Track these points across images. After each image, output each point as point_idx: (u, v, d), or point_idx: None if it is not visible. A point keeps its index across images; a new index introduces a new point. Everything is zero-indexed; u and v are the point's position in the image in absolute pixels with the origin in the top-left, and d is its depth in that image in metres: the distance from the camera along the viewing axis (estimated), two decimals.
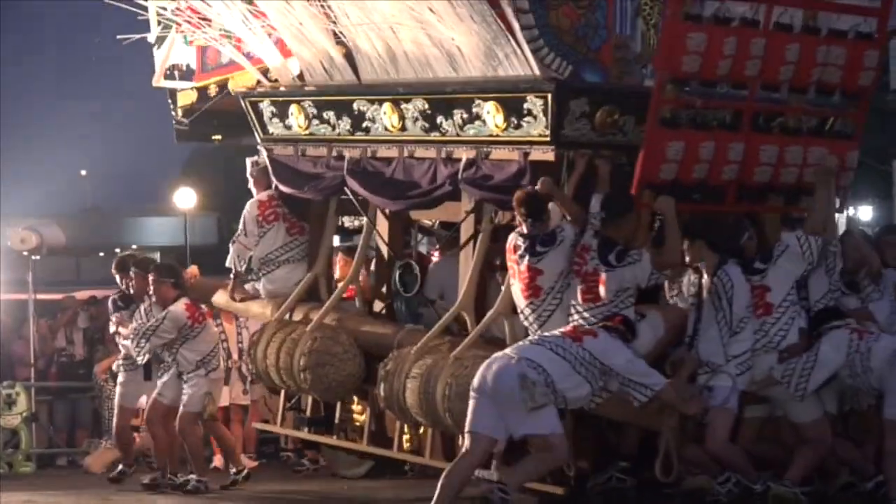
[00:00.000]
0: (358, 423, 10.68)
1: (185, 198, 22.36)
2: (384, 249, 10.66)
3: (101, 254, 14.93)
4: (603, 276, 8.87)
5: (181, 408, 11.75)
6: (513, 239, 9.18)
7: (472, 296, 9.84)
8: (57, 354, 14.85)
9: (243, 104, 11.12)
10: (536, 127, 9.21)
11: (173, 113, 12.30)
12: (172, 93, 12.24)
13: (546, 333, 8.75)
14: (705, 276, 8.82)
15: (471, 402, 8.63)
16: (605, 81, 9.54)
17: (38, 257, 14.71)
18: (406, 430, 10.20)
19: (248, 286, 11.46)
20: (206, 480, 11.66)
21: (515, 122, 9.33)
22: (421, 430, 10.13)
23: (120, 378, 12.24)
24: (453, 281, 10.49)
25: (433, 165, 9.88)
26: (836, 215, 9.50)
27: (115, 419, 12.48)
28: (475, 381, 8.63)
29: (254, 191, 11.65)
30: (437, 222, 11.02)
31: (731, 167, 9.18)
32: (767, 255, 8.98)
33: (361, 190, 10.37)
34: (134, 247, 24.18)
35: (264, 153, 11.14)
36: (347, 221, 11.51)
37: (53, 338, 15.21)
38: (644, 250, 8.85)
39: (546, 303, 9.03)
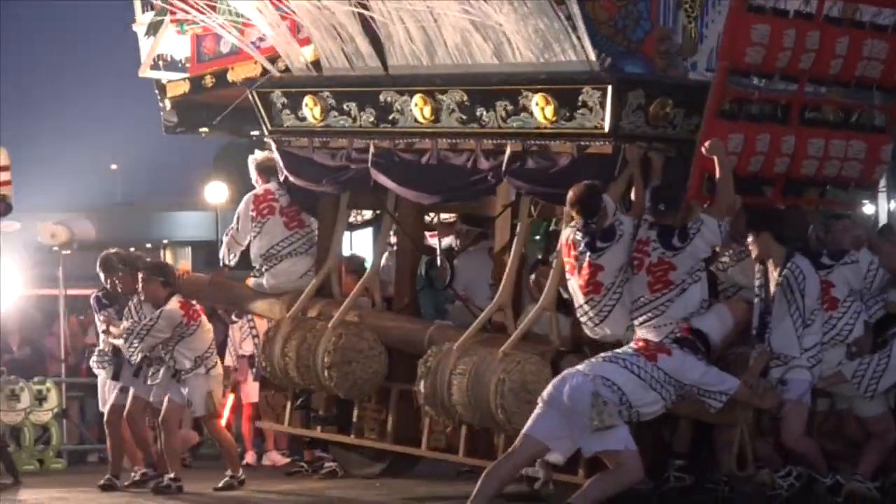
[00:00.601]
0: (375, 421, 10.48)
1: (217, 192, 22.00)
2: (402, 243, 10.47)
3: (132, 248, 14.73)
4: (673, 260, 8.84)
5: (192, 413, 11.47)
6: (568, 235, 9.06)
7: (510, 292, 9.71)
8: (87, 350, 14.26)
9: (251, 95, 10.80)
10: (592, 119, 9.09)
11: (161, 105, 11.93)
12: (160, 84, 11.86)
13: (618, 350, 8.68)
14: (772, 268, 8.81)
15: (537, 410, 8.54)
16: (650, 73, 9.47)
17: (68, 252, 14.44)
18: (435, 427, 10.05)
19: (251, 282, 11.16)
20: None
21: (567, 113, 9.19)
22: (449, 428, 10.01)
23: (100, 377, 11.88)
24: (478, 275, 10.39)
25: (472, 158, 9.69)
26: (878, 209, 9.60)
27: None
28: (545, 393, 8.54)
29: (257, 186, 11.39)
30: (457, 217, 10.84)
31: (783, 160, 9.18)
32: (837, 254, 9.02)
33: (390, 183, 10.15)
34: (165, 241, 23.53)
35: (273, 145, 10.85)
36: (350, 216, 11.27)
37: (84, 333, 14.94)
38: (699, 214, 8.83)
39: (606, 298, 8.93)
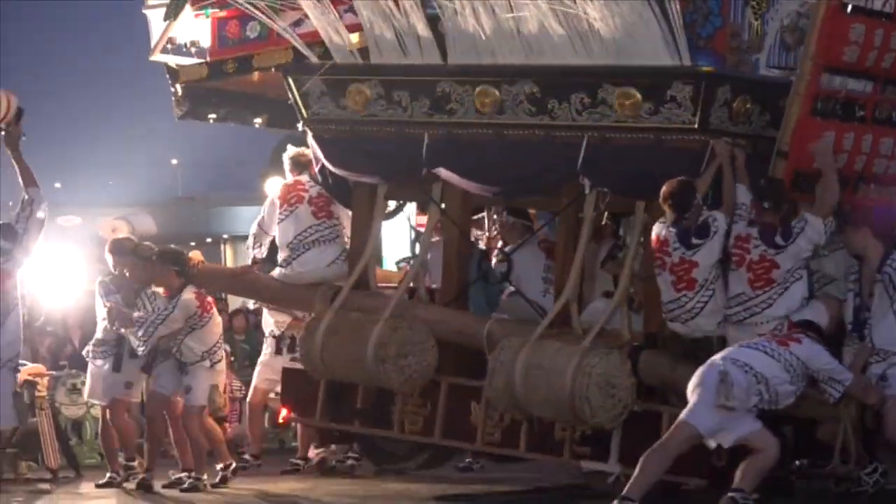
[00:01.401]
0: (417, 416, 10.28)
1: (276, 186, 21.34)
2: (449, 236, 10.30)
3: (192, 243, 14.23)
4: (776, 259, 8.87)
5: (184, 401, 11.10)
6: (659, 231, 9.02)
7: (577, 286, 9.64)
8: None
9: (287, 82, 10.50)
10: (680, 114, 9.06)
11: (172, 90, 11.52)
12: (171, 68, 11.46)
13: (750, 341, 8.63)
14: (868, 264, 8.90)
15: (692, 398, 8.47)
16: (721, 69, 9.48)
17: None
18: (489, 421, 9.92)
19: (277, 273, 10.86)
20: (204, 478, 11.07)
21: (652, 108, 9.15)
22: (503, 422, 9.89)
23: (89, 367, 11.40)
24: (528, 269, 10.26)
25: (542, 151, 9.60)
26: None
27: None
28: (694, 380, 8.49)
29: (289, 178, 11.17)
30: (504, 209, 10.70)
31: (861, 158, 9.30)
32: None
33: (450, 175, 9.98)
34: (225, 236, 22.58)
35: (309, 134, 10.57)
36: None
37: None
38: (804, 213, 8.89)
39: (700, 294, 8.92)
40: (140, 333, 10.93)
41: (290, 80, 10.48)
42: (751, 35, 9.69)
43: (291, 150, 11.20)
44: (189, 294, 11.00)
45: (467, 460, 11.66)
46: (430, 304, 10.25)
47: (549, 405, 9.28)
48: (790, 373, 8.43)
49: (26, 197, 8.54)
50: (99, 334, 11.36)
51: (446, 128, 9.94)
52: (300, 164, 11.06)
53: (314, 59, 10.44)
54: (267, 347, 12.21)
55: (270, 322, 12.12)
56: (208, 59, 11.18)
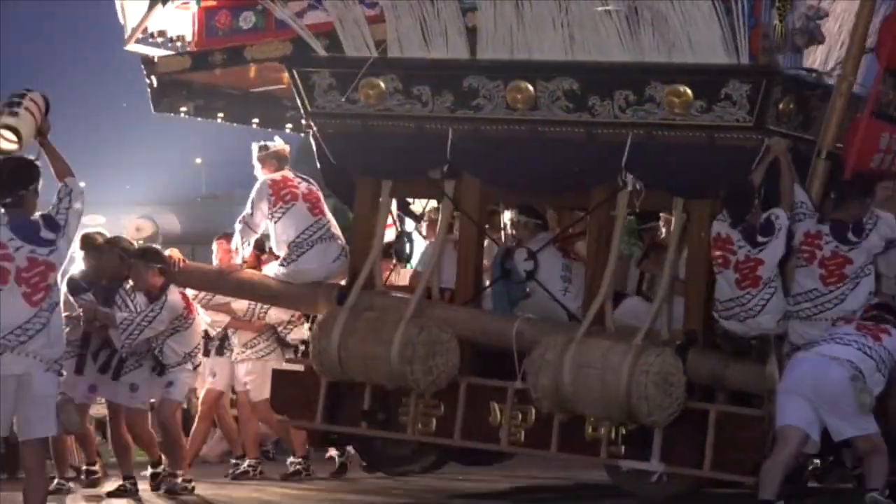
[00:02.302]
0: (429, 417, 10.03)
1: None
2: (466, 235, 10.09)
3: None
4: (849, 255, 8.95)
5: (163, 396, 10.64)
6: (720, 229, 9.03)
7: (613, 285, 9.58)
8: None
9: (290, 74, 10.13)
10: (734, 112, 9.09)
11: (147, 81, 10.96)
12: (147, 58, 10.91)
13: (838, 331, 8.68)
14: None
15: (781, 399, 8.50)
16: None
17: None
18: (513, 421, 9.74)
19: (276, 272, 10.45)
20: (190, 478, 10.75)
21: (703, 105, 9.16)
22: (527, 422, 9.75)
23: None
24: (548, 267, 10.12)
25: (579, 148, 9.50)
26: None
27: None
28: (786, 381, 8.53)
29: (260, 174, 10.76)
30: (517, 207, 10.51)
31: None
32: None
33: (476, 171, 9.80)
34: None
35: (313, 128, 10.19)
36: None
37: None
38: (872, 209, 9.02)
39: (763, 292, 8.96)
40: (125, 336, 10.38)
41: (295, 73, 10.12)
42: (776, 36, 9.84)
43: (272, 145, 10.83)
44: (175, 295, 10.52)
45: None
46: (450, 304, 10.03)
47: (602, 404, 9.19)
48: (881, 371, 8.53)
49: (64, 187, 7.99)
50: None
51: (472, 123, 9.75)
52: (284, 160, 10.72)
53: (321, 51, 10.13)
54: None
55: (206, 321, 11.69)
56: (192, 49, 10.73)
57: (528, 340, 9.63)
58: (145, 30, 10.84)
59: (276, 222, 10.43)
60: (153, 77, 10.88)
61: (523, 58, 9.57)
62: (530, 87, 9.54)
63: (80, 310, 10.48)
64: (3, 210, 7.84)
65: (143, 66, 10.88)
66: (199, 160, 30.71)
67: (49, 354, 7.86)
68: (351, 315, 9.88)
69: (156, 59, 10.82)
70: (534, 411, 9.70)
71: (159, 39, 10.80)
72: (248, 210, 10.60)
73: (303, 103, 10.17)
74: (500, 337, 9.70)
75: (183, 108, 11.19)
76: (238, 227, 10.66)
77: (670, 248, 9.51)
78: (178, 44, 10.72)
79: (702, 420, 9.21)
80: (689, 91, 9.16)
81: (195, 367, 10.73)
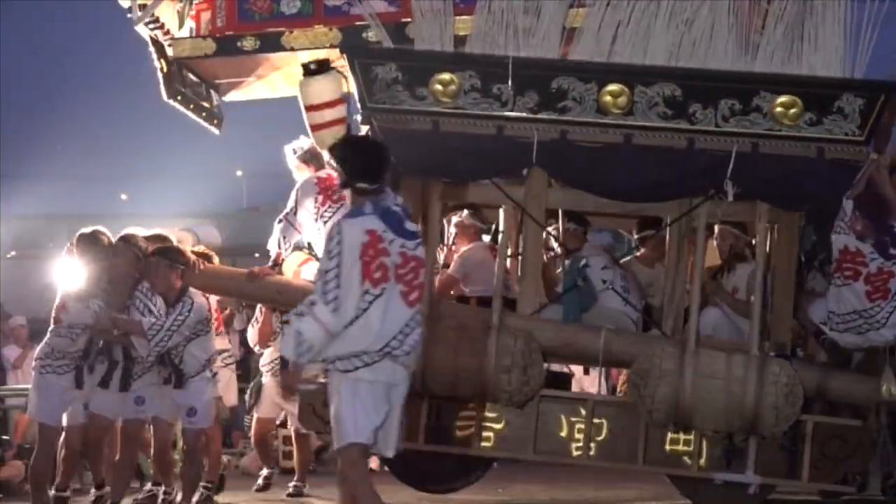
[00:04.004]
0: (489, 430, 9.56)
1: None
2: (532, 242, 9.63)
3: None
4: (894, 269, 9.04)
5: (186, 423, 9.78)
6: (846, 242, 8.99)
7: (702, 295, 9.41)
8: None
9: (350, 65, 9.39)
10: (844, 125, 9.09)
11: (157, 65, 9.90)
12: (157, 42, 9.87)
13: None
14: None
15: None
16: None
17: None
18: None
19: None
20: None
21: (813, 118, 9.12)
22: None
23: (37, 381, 9.59)
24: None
25: (678, 156, 9.25)
26: None
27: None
28: None
29: (298, 177, 10.09)
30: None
31: None
32: None
33: (564, 177, 9.40)
34: None
35: (373, 123, 9.47)
36: None
37: None
38: None
39: (889, 304, 8.99)
40: (154, 343, 9.38)
41: (357, 64, 9.41)
42: None
43: (306, 141, 10.08)
44: (200, 297, 9.61)
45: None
46: (525, 315, 9.56)
47: (723, 414, 9.04)
48: None
49: None
50: (54, 342, 9.57)
51: (558, 126, 9.35)
52: (321, 158, 10.03)
53: (390, 42, 9.46)
54: None
55: None
56: (217, 33, 9.78)
57: (617, 352, 9.37)
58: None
59: (325, 222, 9.70)
60: (162, 62, 9.91)
61: (621, 61, 9.30)
62: (627, 91, 9.28)
63: (91, 318, 9.42)
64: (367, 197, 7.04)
65: (153, 51, 9.88)
66: (239, 172, 29.75)
67: (413, 362, 7.12)
68: (428, 325, 9.30)
69: (168, 43, 9.85)
70: (606, 425, 9.49)
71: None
72: (290, 208, 9.85)
73: (360, 97, 9.49)
74: (584, 349, 9.38)
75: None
76: (278, 226, 9.88)
77: (758, 260, 9.43)
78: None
79: (799, 431, 9.22)
80: (800, 102, 9.14)
81: (213, 375, 9.86)
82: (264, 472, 11.30)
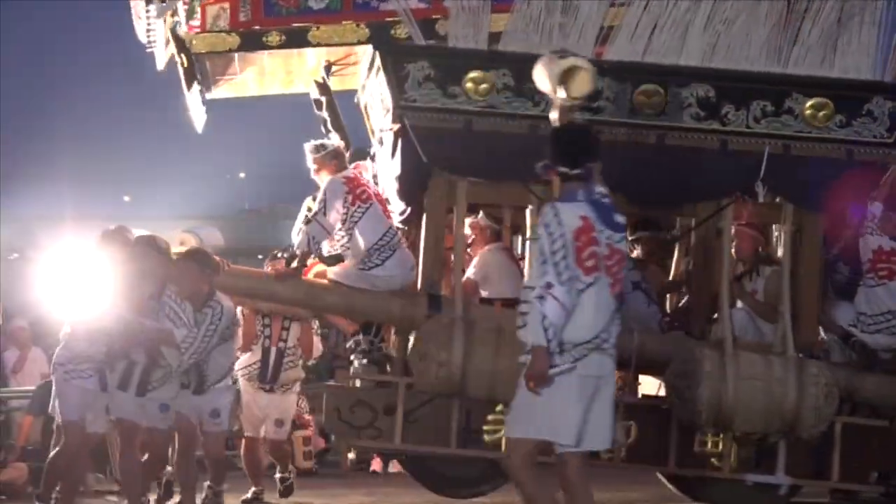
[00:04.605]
0: None
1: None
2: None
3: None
4: None
5: (210, 426, 9.54)
6: (880, 243, 9.30)
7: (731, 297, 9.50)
8: None
9: (383, 62, 9.29)
10: (873, 128, 9.28)
11: (178, 59, 9.70)
12: (176, 36, 9.67)
13: None
14: None
15: None
16: None
17: None
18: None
19: (355, 278, 9.55)
20: None
21: (843, 120, 9.29)
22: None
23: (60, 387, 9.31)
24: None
25: (710, 158, 9.33)
26: None
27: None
28: None
29: (317, 178, 9.92)
30: None
31: None
32: None
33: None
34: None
35: (405, 121, 9.37)
36: None
37: None
38: None
39: None
40: (188, 354, 9.11)
41: (389, 61, 9.33)
42: None
43: (329, 143, 9.99)
44: (227, 300, 9.39)
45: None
46: None
47: (763, 415, 9.12)
48: None
49: None
50: (76, 346, 9.30)
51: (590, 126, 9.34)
52: (344, 158, 9.90)
53: (421, 40, 9.39)
54: None
55: None
56: (241, 27, 9.62)
57: (650, 353, 9.40)
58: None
59: (356, 223, 9.56)
60: (184, 56, 9.71)
61: (655, 61, 9.36)
62: (661, 92, 9.33)
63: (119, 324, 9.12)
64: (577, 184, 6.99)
65: (173, 46, 9.68)
66: (242, 175, 29.28)
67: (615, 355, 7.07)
68: (468, 326, 9.25)
69: (188, 37, 9.66)
70: (634, 427, 9.50)
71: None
72: (318, 209, 9.61)
73: (392, 94, 9.40)
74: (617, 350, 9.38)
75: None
76: (302, 228, 9.67)
77: (784, 262, 9.54)
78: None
79: (828, 431, 9.31)
80: (831, 104, 9.30)
81: (235, 382, 9.69)
82: (253, 490, 11.00)
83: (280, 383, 10.60)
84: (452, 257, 9.60)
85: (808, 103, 9.30)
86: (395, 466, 11.92)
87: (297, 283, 9.66)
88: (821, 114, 9.31)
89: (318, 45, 9.65)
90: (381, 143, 10.05)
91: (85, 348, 9.22)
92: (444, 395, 9.29)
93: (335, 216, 9.61)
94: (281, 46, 9.67)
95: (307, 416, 12.56)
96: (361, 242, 9.58)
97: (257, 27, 9.61)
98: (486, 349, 9.15)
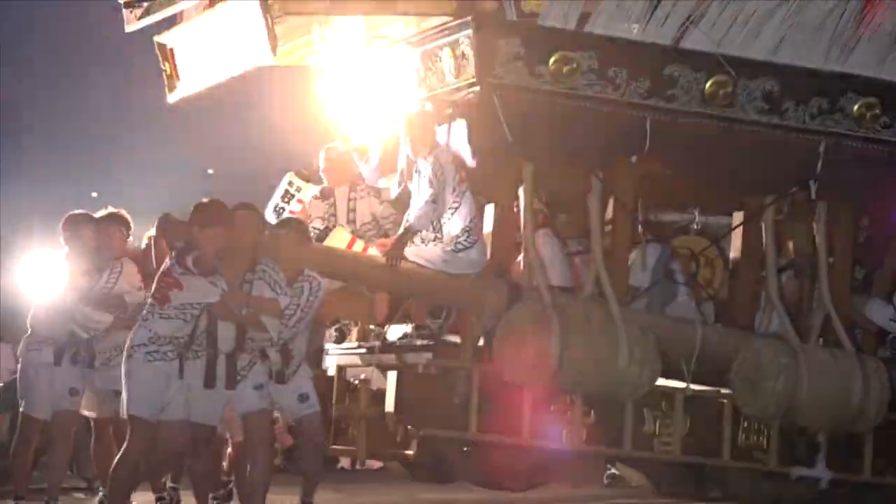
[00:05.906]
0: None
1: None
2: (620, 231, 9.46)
3: None
4: None
5: (305, 411, 8.76)
6: None
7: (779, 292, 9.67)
8: None
9: (474, 34, 8.86)
10: None
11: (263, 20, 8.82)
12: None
13: None
14: None
15: None
16: None
17: None
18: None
19: (449, 261, 9.10)
20: None
21: (888, 121, 9.68)
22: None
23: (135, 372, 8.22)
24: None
25: (774, 151, 9.49)
26: None
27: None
28: None
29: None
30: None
31: None
32: None
33: (672, 164, 9.39)
34: None
35: (494, 98, 8.94)
36: None
37: None
38: None
39: None
40: (290, 325, 8.38)
41: (479, 35, 8.93)
42: None
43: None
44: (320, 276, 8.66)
45: None
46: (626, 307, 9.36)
47: (829, 409, 9.40)
48: None
49: None
50: (159, 328, 8.22)
51: (666, 114, 9.33)
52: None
53: (514, 16, 9.05)
54: None
55: None
56: None
57: (713, 345, 9.45)
58: None
59: (459, 202, 9.13)
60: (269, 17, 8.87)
61: (728, 52, 9.45)
62: (733, 84, 9.45)
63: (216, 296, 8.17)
64: None
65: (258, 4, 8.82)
66: (211, 171, 25.06)
67: None
68: (557, 314, 8.95)
69: None
70: (688, 419, 9.53)
71: None
72: (433, 188, 9.07)
73: (477, 69, 9.01)
74: (679, 343, 9.38)
75: None
76: (422, 208, 9.10)
77: (819, 258, 9.83)
78: None
79: None
80: (879, 105, 9.71)
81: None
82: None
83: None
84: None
85: (860, 102, 9.68)
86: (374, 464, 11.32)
87: (383, 265, 9.07)
88: (870, 114, 9.73)
89: (407, 13, 9.10)
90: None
91: (175, 328, 8.19)
92: (535, 384, 9.01)
93: (450, 193, 9.13)
94: (368, 13, 9.08)
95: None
96: (459, 223, 9.15)
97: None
98: (581, 338, 9.00)
